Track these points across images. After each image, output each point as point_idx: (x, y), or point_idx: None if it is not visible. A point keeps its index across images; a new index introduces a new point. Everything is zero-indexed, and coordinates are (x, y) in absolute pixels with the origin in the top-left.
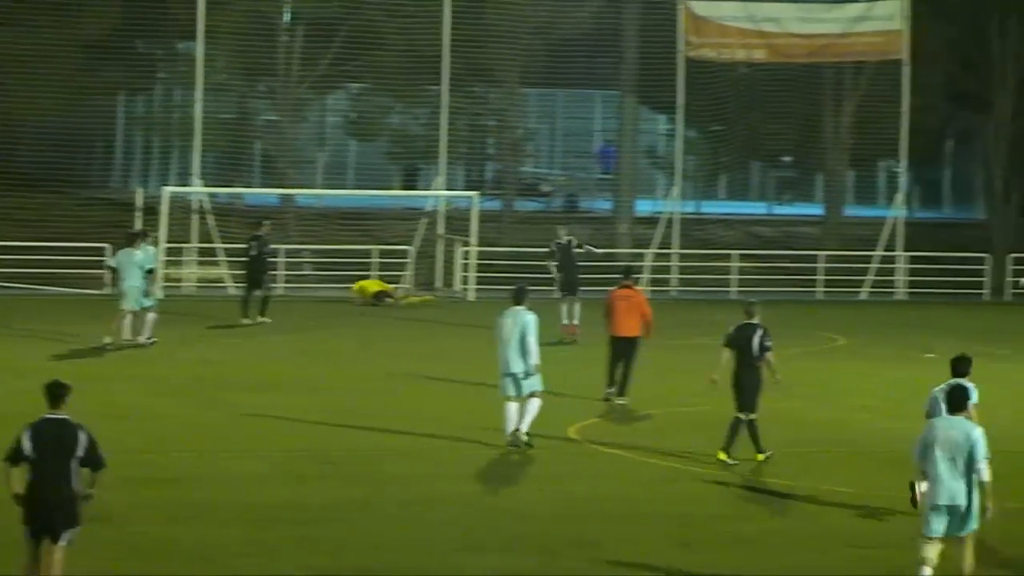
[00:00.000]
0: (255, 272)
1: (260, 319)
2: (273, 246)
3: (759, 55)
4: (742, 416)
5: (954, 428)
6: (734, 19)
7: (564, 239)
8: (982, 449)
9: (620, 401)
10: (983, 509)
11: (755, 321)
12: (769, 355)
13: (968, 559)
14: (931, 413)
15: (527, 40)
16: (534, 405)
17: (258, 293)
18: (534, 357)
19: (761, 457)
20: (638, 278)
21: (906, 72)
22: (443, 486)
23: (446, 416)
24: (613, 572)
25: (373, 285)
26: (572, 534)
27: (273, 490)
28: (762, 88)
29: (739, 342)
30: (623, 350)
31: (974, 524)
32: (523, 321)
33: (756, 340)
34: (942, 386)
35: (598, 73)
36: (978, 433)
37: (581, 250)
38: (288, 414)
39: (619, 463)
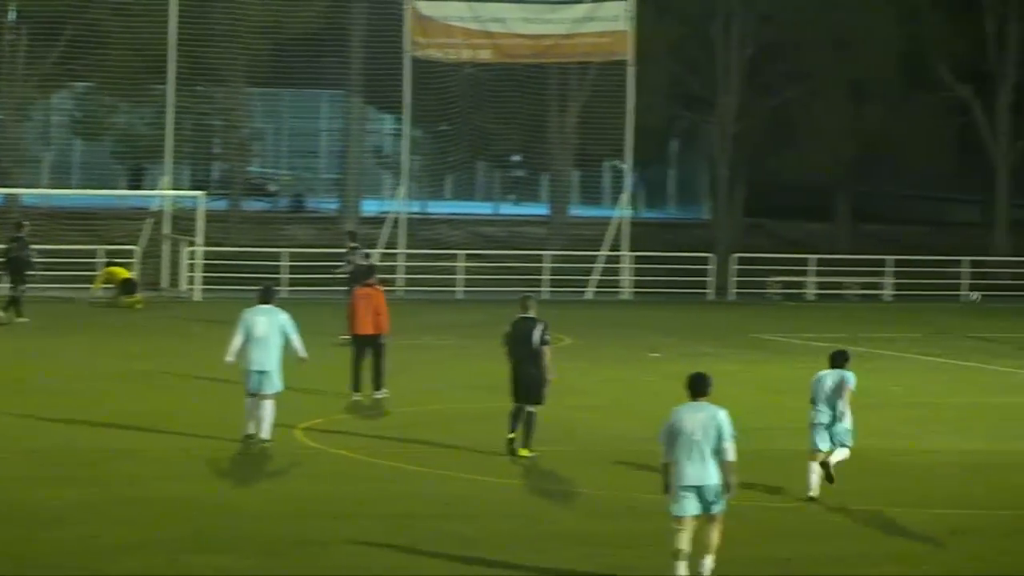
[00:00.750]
0: (17, 272)
1: (17, 320)
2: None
3: (485, 55)
4: (530, 408)
5: (700, 411)
6: (460, 19)
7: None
8: (728, 429)
9: (379, 395)
10: (727, 487)
11: (532, 315)
12: (547, 349)
13: (715, 538)
14: (814, 398)
15: (253, 39)
16: (268, 409)
17: (13, 293)
18: (303, 352)
19: (526, 452)
20: (382, 278)
21: (631, 72)
22: (170, 486)
23: (174, 415)
24: (336, 572)
25: (122, 272)
26: (298, 534)
27: None
28: (488, 88)
29: (518, 337)
30: (365, 347)
31: (721, 504)
32: (280, 320)
33: (536, 334)
34: (823, 372)
35: (324, 73)
36: (723, 415)
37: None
38: (15, 413)
39: (346, 463)
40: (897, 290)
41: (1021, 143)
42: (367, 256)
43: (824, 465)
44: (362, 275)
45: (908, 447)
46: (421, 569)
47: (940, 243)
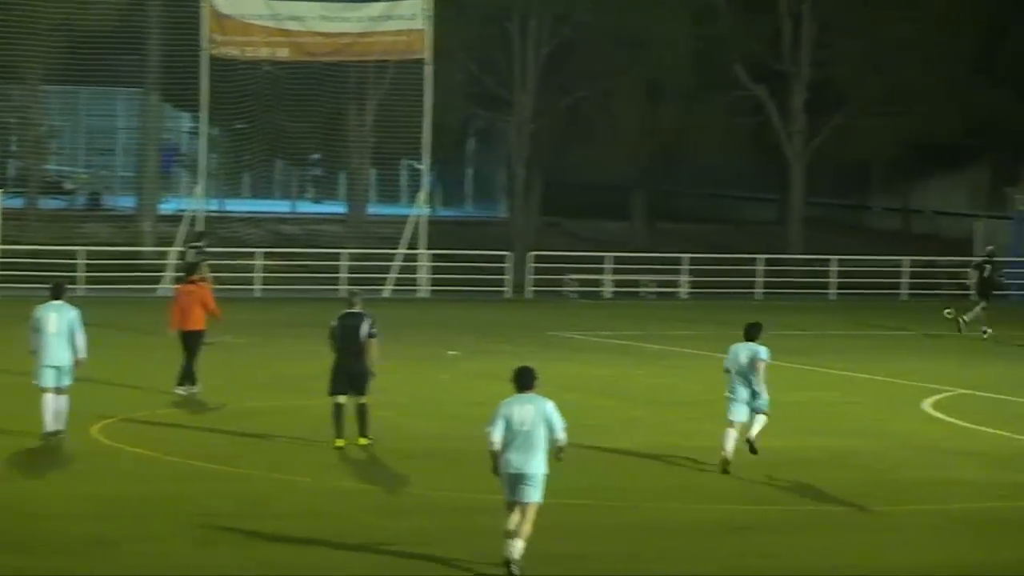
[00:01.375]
0: None
1: None
2: None
3: (283, 53)
4: (361, 400)
5: (529, 403)
6: (258, 17)
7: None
8: (559, 421)
9: (195, 390)
10: (558, 451)
11: (358, 310)
12: (375, 342)
13: (527, 526)
14: (728, 370)
15: (48, 35)
16: (64, 403)
17: None
18: (83, 352)
19: (364, 441)
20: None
21: (428, 71)
22: None
23: None
24: (132, 572)
25: None
26: (93, 533)
27: None
28: (287, 86)
29: (345, 331)
30: (189, 342)
31: (539, 494)
32: (70, 316)
33: (364, 327)
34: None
35: (121, 70)
36: (551, 406)
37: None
38: None
39: (143, 462)
40: (693, 288)
41: (815, 142)
42: (197, 254)
43: (748, 441)
44: (187, 271)
45: (712, 445)
46: (219, 566)
47: (736, 241)
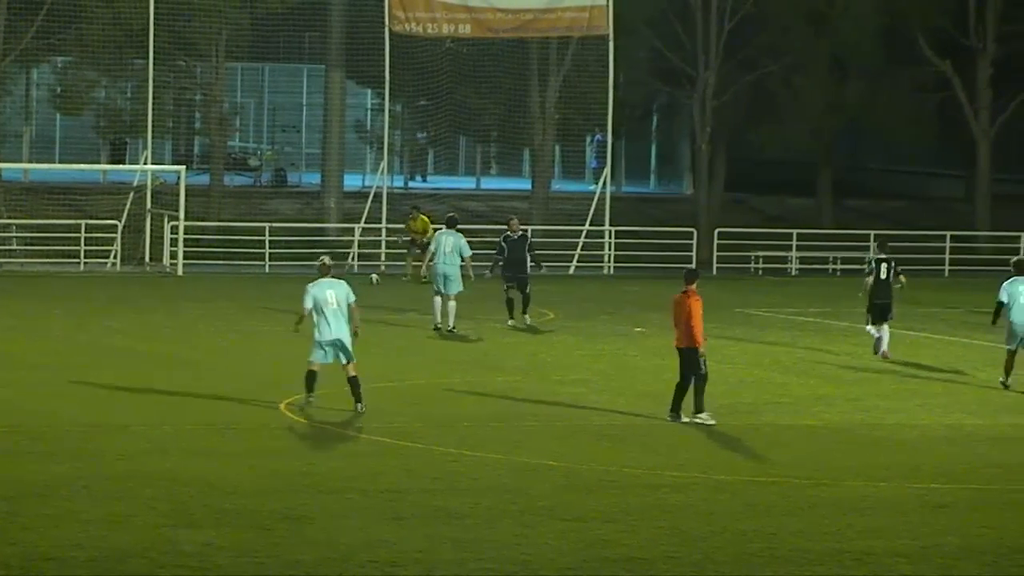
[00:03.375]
0: None
1: None
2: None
3: (465, 30)
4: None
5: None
6: None
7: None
8: (352, 296)
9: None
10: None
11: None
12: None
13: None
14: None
15: (233, 13)
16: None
17: None
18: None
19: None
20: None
21: (610, 47)
22: (151, 461)
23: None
24: (327, 547)
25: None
26: (283, 509)
27: None
28: (469, 63)
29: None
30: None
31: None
32: (345, 291)
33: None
34: None
35: (304, 48)
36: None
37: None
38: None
39: (331, 438)
40: (847, 265)
41: (1001, 118)
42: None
43: None
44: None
45: (903, 422)
46: (413, 543)
47: (923, 218)
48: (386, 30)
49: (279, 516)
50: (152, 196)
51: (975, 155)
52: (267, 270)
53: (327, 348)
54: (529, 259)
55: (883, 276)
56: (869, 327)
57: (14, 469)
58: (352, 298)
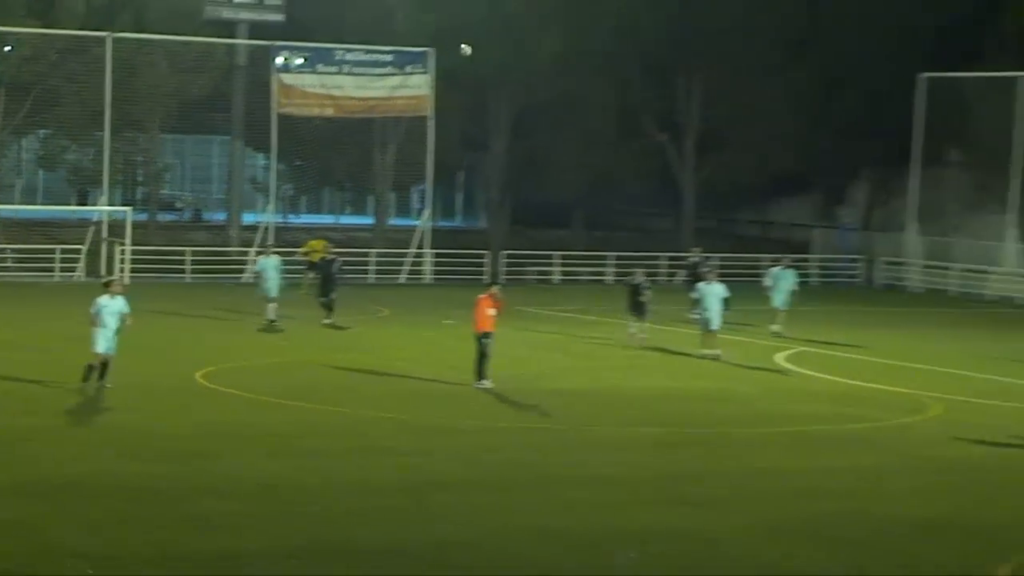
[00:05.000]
0: None
1: None
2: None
3: (329, 112)
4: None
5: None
6: (311, 86)
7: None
8: (127, 310)
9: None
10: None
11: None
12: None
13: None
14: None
15: (165, 99)
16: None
17: None
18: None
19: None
20: None
21: (431, 124)
22: (99, 416)
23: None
24: (226, 476)
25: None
26: (196, 449)
27: None
28: (331, 134)
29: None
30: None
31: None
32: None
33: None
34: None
35: (216, 123)
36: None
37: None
38: None
39: (233, 399)
40: (616, 277)
41: (702, 173)
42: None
43: None
44: None
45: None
46: (282, 472)
47: (647, 244)
48: (273, 112)
49: (193, 454)
50: (107, 228)
51: (683, 200)
52: (188, 280)
53: (105, 342)
54: (336, 275)
55: (636, 283)
56: (631, 323)
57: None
58: (126, 310)
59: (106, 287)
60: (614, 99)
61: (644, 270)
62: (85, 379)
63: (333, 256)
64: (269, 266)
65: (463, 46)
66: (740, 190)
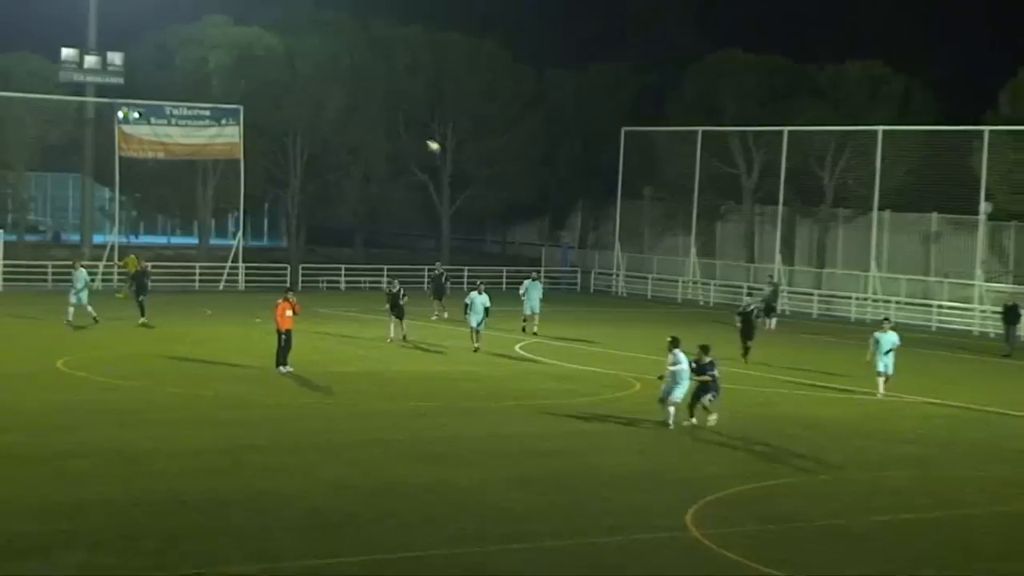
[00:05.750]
0: None
1: None
2: None
3: (161, 154)
4: None
5: None
6: (146, 134)
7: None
8: None
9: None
10: None
11: None
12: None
13: None
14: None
15: (30, 143)
16: None
17: None
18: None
19: None
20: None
21: (242, 164)
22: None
23: None
24: (79, 443)
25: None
26: (53, 421)
27: None
28: (162, 172)
29: None
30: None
31: None
32: None
33: None
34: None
35: (71, 163)
36: None
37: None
38: None
39: (82, 380)
40: (372, 284)
41: (456, 204)
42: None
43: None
44: None
45: (403, 368)
46: (133, 439)
47: (414, 260)
48: (116, 155)
49: (49, 426)
50: None
51: (441, 225)
52: (50, 288)
53: None
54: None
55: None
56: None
57: None
58: None
59: None
60: (386, 146)
61: (400, 279)
62: None
63: (144, 267)
64: (81, 277)
65: (429, 142)
66: (485, 217)
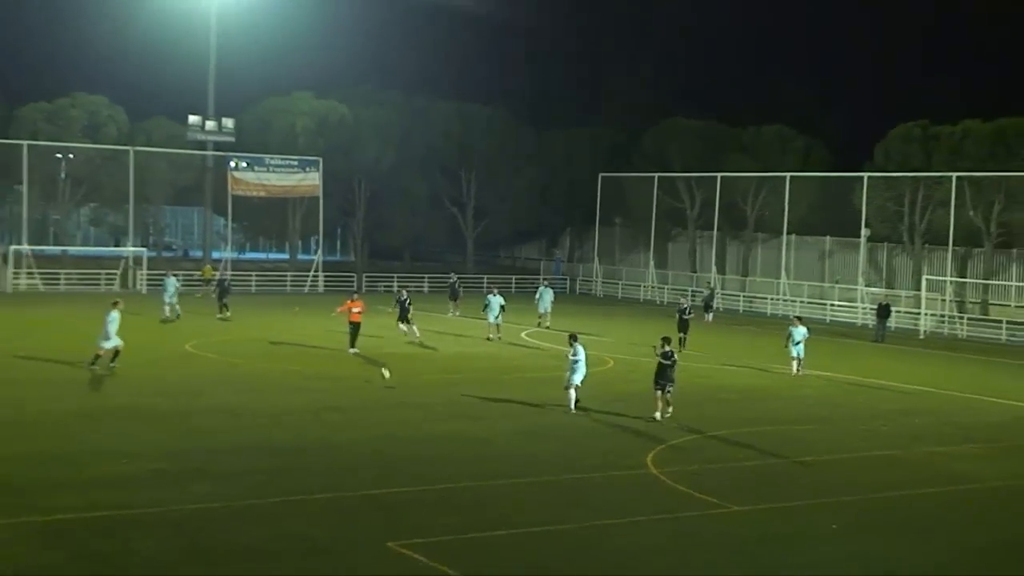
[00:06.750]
0: None
1: None
2: None
3: (262, 193)
4: None
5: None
6: (252, 179)
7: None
8: None
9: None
10: None
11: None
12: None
13: None
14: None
15: (165, 185)
16: None
17: None
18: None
19: None
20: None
21: (320, 201)
22: None
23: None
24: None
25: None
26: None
27: None
28: (264, 206)
29: None
30: None
31: None
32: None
33: None
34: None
35: (196, 199)
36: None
37: None
38: None
39: (214, 362)
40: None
41: (478, 229)
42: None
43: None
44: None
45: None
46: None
47: (446, 270)
48: (229, 193)
49: (190, 392)
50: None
51: (466, 246)
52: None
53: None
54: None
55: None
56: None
57: None
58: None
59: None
60: (426, 188)
61: (407, 289)
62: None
63: (222, 276)
64: (171, 283)
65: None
66: (499, 238)
